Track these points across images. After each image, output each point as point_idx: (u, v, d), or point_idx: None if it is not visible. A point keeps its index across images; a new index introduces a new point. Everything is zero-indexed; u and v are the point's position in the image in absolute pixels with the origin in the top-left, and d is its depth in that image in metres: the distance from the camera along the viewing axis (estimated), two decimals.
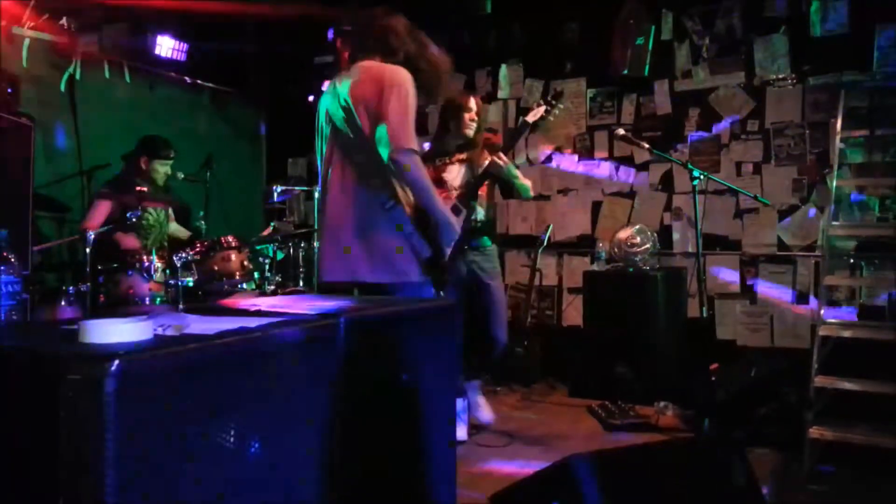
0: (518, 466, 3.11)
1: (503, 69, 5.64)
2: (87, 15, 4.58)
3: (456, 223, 2.51)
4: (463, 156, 3.77)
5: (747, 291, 4.77)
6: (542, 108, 3.58)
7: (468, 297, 3.71)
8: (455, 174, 3.74)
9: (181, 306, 1.83)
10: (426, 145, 3.89)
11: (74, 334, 1.14)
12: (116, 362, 0.97)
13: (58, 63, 4.54)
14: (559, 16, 5.35)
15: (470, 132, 3.75)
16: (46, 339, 1.28)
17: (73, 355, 1.03)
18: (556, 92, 3.67)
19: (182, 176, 4.23)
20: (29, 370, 1.09)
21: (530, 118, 3.60)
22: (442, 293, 2.64)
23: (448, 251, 2.57)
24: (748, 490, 1.79)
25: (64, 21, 4.52)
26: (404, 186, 2.45)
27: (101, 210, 3.84)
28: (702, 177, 3.50)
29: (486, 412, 3.83)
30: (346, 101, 2.49)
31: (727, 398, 3.45)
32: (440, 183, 3.65)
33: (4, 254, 1.36)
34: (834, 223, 3.83)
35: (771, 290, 4.71)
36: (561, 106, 3.64)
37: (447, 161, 3.76)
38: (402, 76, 2.43)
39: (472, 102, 3.76)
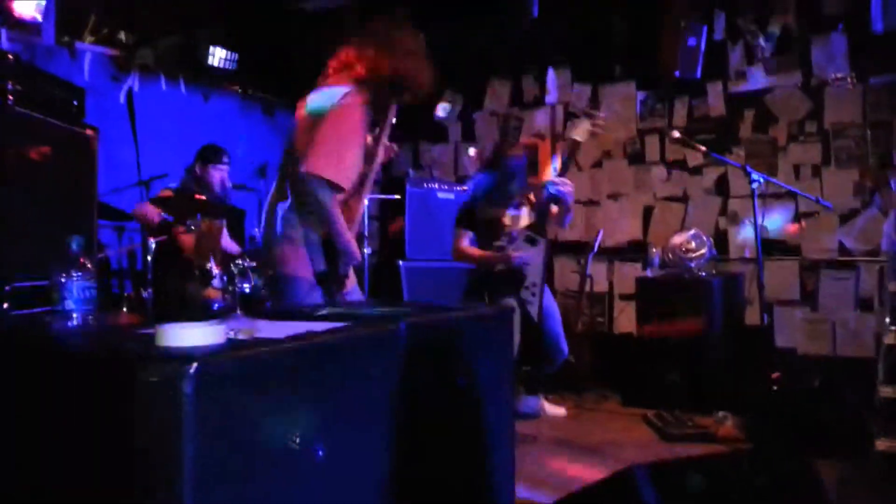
0: (577, 472, 3.11)
1: (550, 73, 5.61)
2: (143, 29, 4.73)
3: (356, 252, 2.53)
4: (520, 199, 3.85)
5: (808, 298, 4.64)
6: (586, 122, 3.63)
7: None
8: (523, 217, 3.78)
9: (240, 312, 1.90)
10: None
11: (150, 337, 1.16)
12: (195, 364, 0.99)
13: (117, 76, 4.68)
14: (607, 18, 5.28)
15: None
16: (124, 342, 1.31)
17: (152, 357, 1.05)
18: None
19: (231, 184, 4.32)
20: (108, 372, 1.12)
21: (579, 136, 3.63)
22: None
23: (344, 273, 2.59)
24: (814, 501, 1.73)
25: (122, 35, 4.67)
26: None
27: (152, 210, 3.92)
28: (760, 180, 3.42)
29: None
30: (300, 115, 2.57)
31: (790, 408, 3.35)
32: (500, 227, 3.70)
33: (81, 260, 1.40)
34: None
35: (833, 296, 4.56)
36: (601, 115, 3.67)
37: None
38: (348, 104, 2.43)
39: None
